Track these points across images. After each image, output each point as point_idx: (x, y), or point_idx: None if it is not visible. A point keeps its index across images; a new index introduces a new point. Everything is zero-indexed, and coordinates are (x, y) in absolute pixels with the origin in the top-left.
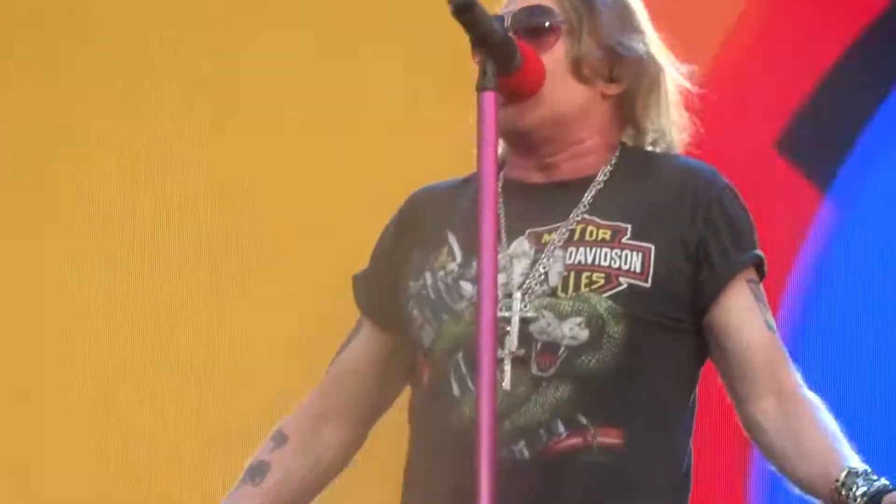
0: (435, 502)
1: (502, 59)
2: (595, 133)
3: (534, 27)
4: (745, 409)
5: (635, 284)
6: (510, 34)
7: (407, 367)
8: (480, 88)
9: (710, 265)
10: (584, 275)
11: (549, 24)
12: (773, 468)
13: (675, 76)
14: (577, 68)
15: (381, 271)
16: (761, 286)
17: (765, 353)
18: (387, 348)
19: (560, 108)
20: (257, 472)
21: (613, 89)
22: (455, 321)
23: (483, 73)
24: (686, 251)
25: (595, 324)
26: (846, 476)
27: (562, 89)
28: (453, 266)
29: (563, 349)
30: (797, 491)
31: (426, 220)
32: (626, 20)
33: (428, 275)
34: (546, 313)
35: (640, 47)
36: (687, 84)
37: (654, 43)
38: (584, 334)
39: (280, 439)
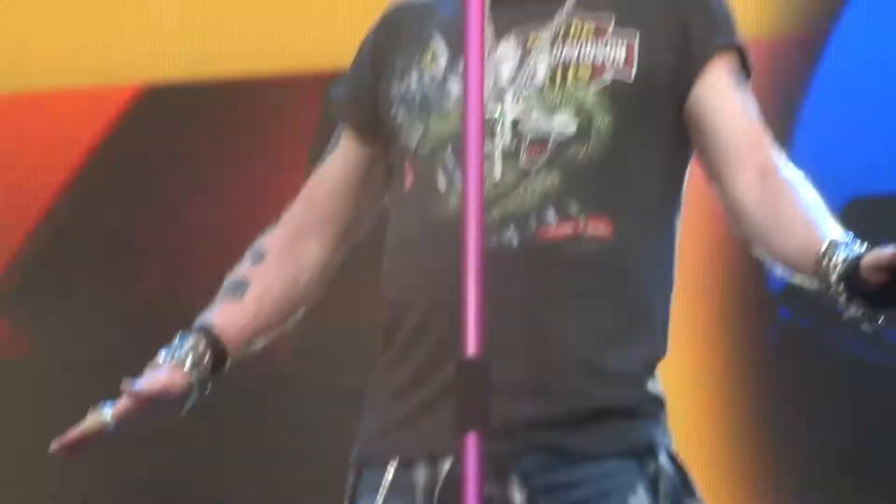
0: (412, 287)
1: None
2: None
3: None
4: (727, 191)
5: (621, 75)
6: None
7: (385, 181)
8: None
9: (688, 49)
10: (571, 69)
11: None
12: (756, 251)
13: None
14: None
15: (361, 77)
16: (744, 75)
17: (746, 133)
18: (366, 160)
19: None
20: (237, 287)
21: None
22: (443, 120)
23: None
24: (668, 40)
25: (583, 116)
26: (827, 246)
27: None
28: (439, 66)
29: (552, 142)
30: (781, 271)
31: (410, 24)
32: None
33: (414, 76)
34: (535, 110)
35: None
36: None
37: None
38: (572, 127)
39: (258, 256)
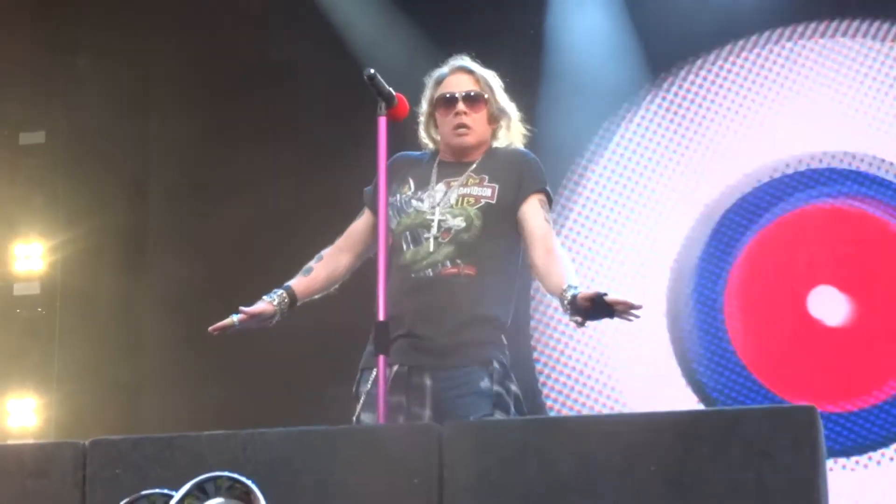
0: (391, 295)
1: (386, 100)
2: (486, 141)
3: (475, 98)
4: (530, 258)
5: (489, 202)
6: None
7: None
8: (379, 115)
9: (520, 191)
10: (466, 199)
11: (482, 98)
12: (543, 286)
13: (515, 116)
14: (490, 118)
15: (375, 191)
16: (548, 205)
17: (542, 231)
18: (371, 224)
19: (481, 135)
20: (307, 271)
21: (494, 125)
22: (406, 218)
23: (379, 106)
24: (511, 187)
25: (469, 220)
26: (566, 287)
27: (483, 128)
28: (409, 193)
29: (453, 231)
30: (552, 297)
31: (401, 168)
32: (500, 95)
33: (398, 195)
34: (447, 215)
35: (504, 105)
36: (517, 119)
37: (507, 103)
38: (463, 224)
39: (319, 258)
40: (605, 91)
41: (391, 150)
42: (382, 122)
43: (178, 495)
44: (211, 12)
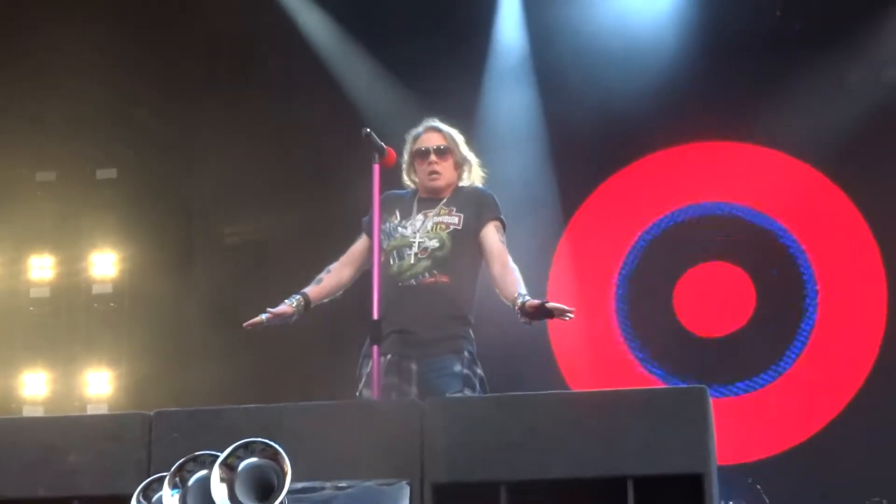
0: (384, 302)
1: (379, 151)
2: (454, 183)
3: (443, 151)
4: (490, 272)
5: (457, 227)
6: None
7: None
8: (373, 163)
9: (480, 218)
10: (439, 225)
11: (448, 150)
12: (500, 295)
13: (475, 162)
14: (455, 165)
15: (370, 220)
16: (503, 229)
17: (498, 250)
18: (367, 245)
19: (449, 179)
20: (318, 280)
21: (459, 170)
22: (394, 240)
23: (373, 157)
24: (473, 215)
25: (442, 241)
26: (518, 295)
27: (451, 172)
28: (396, 221)
29: (429, 250)
30: (506, 302)
31: (391, 202)
32: (463, 147)
33: (387, 223)
34: (425, 238)
35: (466, 154)
36: (477, 164)
37: (468, 153)
38: (437, 245)
39: (327, 271)
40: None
41: (382, 188)
42: (376, 168)
43: (222, 456)
44: (234, 77)
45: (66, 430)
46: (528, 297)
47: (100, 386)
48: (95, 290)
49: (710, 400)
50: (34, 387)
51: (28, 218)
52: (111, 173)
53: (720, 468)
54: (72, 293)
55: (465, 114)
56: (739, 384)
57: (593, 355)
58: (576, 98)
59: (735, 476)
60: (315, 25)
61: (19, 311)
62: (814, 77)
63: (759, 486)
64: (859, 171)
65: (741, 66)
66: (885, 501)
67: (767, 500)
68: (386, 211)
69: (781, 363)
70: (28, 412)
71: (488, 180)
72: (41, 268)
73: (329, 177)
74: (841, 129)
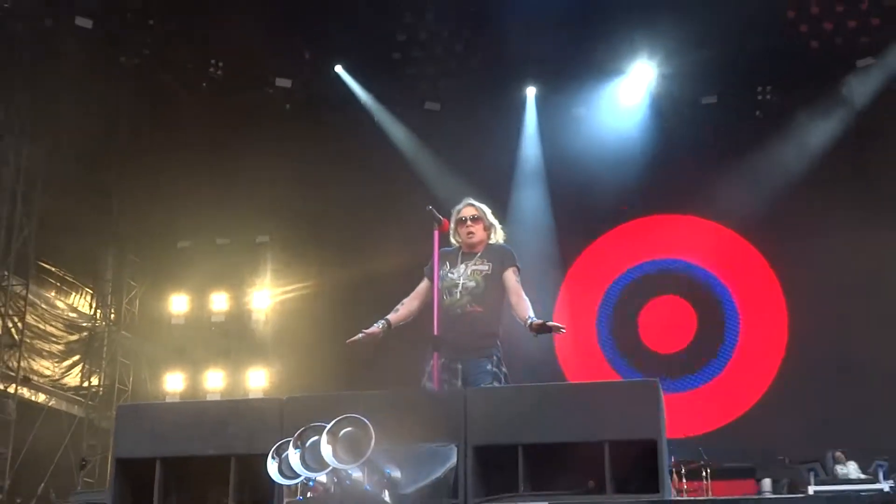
0: (444, 334)
1: (438, 222)
2: (485, 240)
3: (476, 218)
4: (509, 302)
5: (487, 273)
6: (460, 219)
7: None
8: (433, 230)
9: (502, 266)
10: (476, 272)
11: (479, 218)
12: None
13: (499, 226)
14: (485, 227)
15: (431, 268)
16: (518, 273)
17: (514, 288)
18: (429, 286)
19: (481, 238)
20: (397, 309)
21: (488, 231)
22: (446, 282)
23: (433, 225)
24: (500, 264)
25: (479, 282)
26: (528, 317)
27: (482, 233)
28: (446, 269)
29: (470, 289)
30: (520, 322)
31: (443, 257)
32: (490, 216)
33: (441, 270)
34: (466, 280)
35: (492, 220)
36: (499, 227)
37: (494, 220)
38: (474, 286)
39: (402, 304)
40: None
41: (441, 245)
42: (436, 233)
43: (328, 426)
44: (308, 154)
45: (229, 410)
46: (534, 318)
47: (258, 380)
48: (254, 316)
49: (661, 390)
50: (214, 381)
51: (211, 268)
52: (265, 238)
53: (676, 440)
54: (238, 318)
55: (501, 203)
56: (686, 381)
57: (582, 360)
58: (573, 190)
59: (684, 443)
60: (402, 137)
61: (204, 330)
62: (731, 175)
63: (700, 448)
64: (765, 232)
65: (684, 162)
66: (787, 459)
67: (705, 456)
68: (440, 262)
69: (715, 366)
70: (210, 398)
71: (517, 243)
72: (218, 301)
73: (405, 239)
74: (753, 205)
